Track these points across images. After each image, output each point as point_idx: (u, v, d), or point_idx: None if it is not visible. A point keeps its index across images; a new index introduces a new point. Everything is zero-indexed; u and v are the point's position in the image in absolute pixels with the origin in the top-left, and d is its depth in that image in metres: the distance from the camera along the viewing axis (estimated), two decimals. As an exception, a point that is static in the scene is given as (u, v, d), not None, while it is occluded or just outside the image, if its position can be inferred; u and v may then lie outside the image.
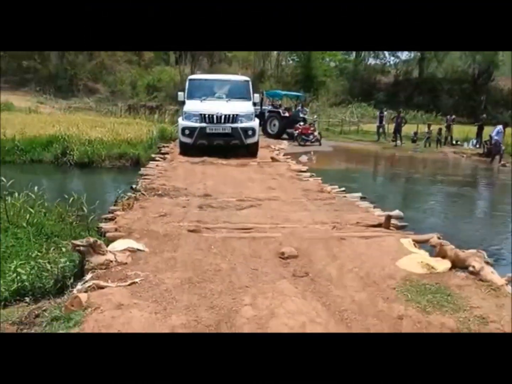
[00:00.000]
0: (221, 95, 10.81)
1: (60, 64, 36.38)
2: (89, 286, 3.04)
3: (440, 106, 35.14)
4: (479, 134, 19.75)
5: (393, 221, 4.57)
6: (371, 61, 50.42)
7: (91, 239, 3.40)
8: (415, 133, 21.14)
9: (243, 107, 10.20)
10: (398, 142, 20.16)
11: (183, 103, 10.66)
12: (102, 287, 3.02)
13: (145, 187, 5.85)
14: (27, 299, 3.29)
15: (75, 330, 2.55)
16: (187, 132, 9.87)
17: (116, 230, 4.06)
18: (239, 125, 9.85)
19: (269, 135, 19.67)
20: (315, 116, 24.18)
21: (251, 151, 10.29)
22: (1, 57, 33.39)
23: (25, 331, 2.79)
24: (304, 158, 14.16)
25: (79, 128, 13.12)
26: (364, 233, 4.23)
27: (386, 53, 49.44)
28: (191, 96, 10.61)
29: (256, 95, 10.97)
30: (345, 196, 6.12)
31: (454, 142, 20.81)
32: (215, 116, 9.81)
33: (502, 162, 15.87)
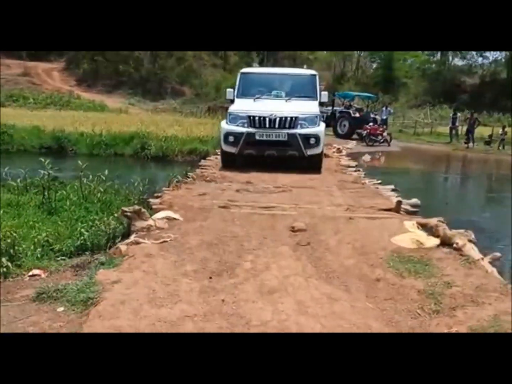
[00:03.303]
0: (280, 93, 8.65)
1: (151, 68, 39.05)
2: (130, 242, 3.87)
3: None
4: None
5: (405, 207, 5.00)
6: (456, 61, 48.53)
7: (137, 207, 4.25)
8: (490, 135, 20.44)
9: (305, 107, 8.05)
10: (471, 144, 19.66)
11: (232, 102, 8.56)
12: (139, 243, 3.84)
13: (197, 174, 6.72)
14: (86, 253, 4.20)
15: (114, 269, 3.37)
16: (231, 139, 7.81)
17: (160, 204, 4.92)
18: (298, 131, 7.68)
19: (339, 136, 20.10)
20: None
21: (313, 165, 7.99)
22: (100, 62, 36.83)
23: (79, 271, 3.66)
24: (367, 157, 14.49)
25: (158, 126, 14.48)
26: (373, 214, 4.72)
27: (474, 53, 47.35)
28: (242, 94, 8.57)
29: (325, 93, 8.63)
30: (377, 188, 6.55)
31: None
32: (267, 119, 7.68)
33: None
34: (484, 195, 10.54)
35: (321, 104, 8.80)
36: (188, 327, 2.48)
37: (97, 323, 2.47)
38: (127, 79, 37.58)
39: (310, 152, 7.77)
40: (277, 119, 7.70)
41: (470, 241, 3.75)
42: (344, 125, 20.48)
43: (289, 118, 7.71)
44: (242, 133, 7.73)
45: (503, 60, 44.16)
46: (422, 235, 4.09)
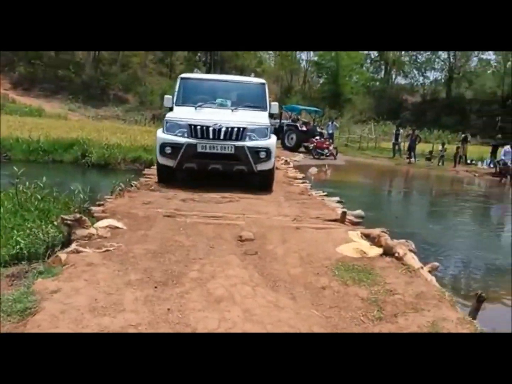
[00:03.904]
0: (225, 102, 7.71)
1: (93, 74, 38.12)
2: (70, 251, 3.71)
3: (468, 127, 35.29)
4: (493, 154, 20.01)
5: (350, 217, 5.13)
6: (399, 80, 50.97)
7: (77, 215, 4.09)
8: (430, 152, 21.55)
9: (254, 118, 7.17)
10: (412, 159, 20.58)
11: (170, 110, 7.56)
12: (80, 252, 3.69)
13: (141, 183, 6.57)
14: (23, 262, 3.98)
15: (53, 278, 3.21)
16: (168, 150, 6.77)
17: (102, 212, 4.76)
18: (246, 143, 6.76)
19: (286, 148, 20.45)
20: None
21: (263, 182, 7.18)
22: (38, 65, 35.46)
23: (15, 281, 3.46)
24: (314, 169, 14.80)
25: (100, 134, 14.10)
26: (319, 225, 4.80)
27: (415, 71, 49.97)
28: (182, 101, 7.60)
29: (275, 104, 7.77)
30: (323, 199, 6.68)
31: (468, 161, 21.08)
32: (211, 129, 6.72)
33: (511, 182, 16.13)
34: (424, 208, 11.03)
35: (271, 116, 7.90)
36: (132, 337, 2.40)
37: (35, 333, 2.34)
38: (67, 84, 36.38)
39: (260, 167, 6.87)
40: (223, 130, 6.72)
41: (410, 250, 3.89)
42: (292, 138, 20.88)
43: (236, 129, 6.75)
44: (181, 144, 6.70)
45: (443, 80, 46.74)
46: (365, 245, 4.20)
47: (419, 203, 11.87)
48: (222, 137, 6.74)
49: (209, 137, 6.74)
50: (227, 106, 7.62)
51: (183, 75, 8.24)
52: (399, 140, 22.44)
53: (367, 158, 21.86)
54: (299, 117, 23.14)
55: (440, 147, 21.17)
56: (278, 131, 20.33)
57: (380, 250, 4.02)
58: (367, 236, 4.58)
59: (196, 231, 4.39)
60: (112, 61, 40.14)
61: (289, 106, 24.51)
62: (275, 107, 7.70)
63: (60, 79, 36.29)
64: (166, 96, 7.75)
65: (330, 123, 24.21)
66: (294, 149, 20.34)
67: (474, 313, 3.10)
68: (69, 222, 4.03)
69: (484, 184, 16.39)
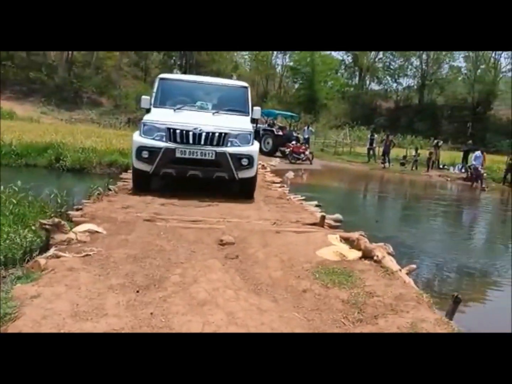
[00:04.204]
0: (206, 105, 7.42)
1: (66, 77, 37.50)
2: (49, 255, 3.66)
3: (440, 132, 36.15)
4: (464, 159, 20.56)
5: (329, 221, 5.21)
6: (373, 86, 51.89)
7: (56, 220, 4.04)
8: (404, 157, 22.01)
9: (236, 123, 6.88)
10: (387, 164, 20.96)
11: (147, 112, 7.13)
12: (59, 257, 3.64)
13: (119, 187, 6.52)
14: (-1, 268, 3.91)
15: (32, 283, 3.17)
16: (145, 154, 6.38)
17: (81, 216, 4.71)
18: (228, 149, 6.48)
19: (263, 153, 20.51)
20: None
21: (244, 191, 6.93)
22: (9, 67, 34.67)
23: (-9, 287, 3.39)
24: (290, 174, 14.92)
25: (74, 137, 13.90)
26: (299, 228, 4.86)
27: (388, 78, 50.93)
28: (160, 103, 7.21)
29: (257, 109, 7.56)
30: (301, 203, 6.76)
31: (441, 166, 21.59)
32: (191, 134, 6.43)
33: (482, 186, 16.57)
34: (400, 212, 11.25)
35: (253, 121, 7.57)
36: (115, 341, 2.39)
37: (15, 340, 2.31)
38: (39, 87, 35.59)
39: (241, 175, 6.57)
40: (203, 135, 6.41)
41: (389, 253, 3.98)
42: (268, 143, 21.00)
43: (217, 134, 6.45)
44: (159, 149, 6.33)
45: (415, 86, 47.76)
46: (345, 248, 4.27)
47: (395, 207, 12.11)
48: (202, 142, 6.46)
49: (189, 142, 6.44)
50: (208, 109, 7.34)
51: (162, 75, 7.85)
52: (374, 145, 22.86)
53: (343, 162, 22.19)
54: (275, 121, 23.28)
55: (413, 152, 21.64)
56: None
57: (359, 253, 4.10)
58: (346, 240, 4.66)
59: (177, 235, 4.38)
60: (86, 64, 39.61)
61: (265, 111, 24.57)
62: (257, 112, 7.49)
63: (32, 81, 35.53)
64: (143, 96, 7.27)
65: (306, 128, 24.51)
66: (270, 153, 20.46)
67: (450, 314, 3.20)
68: (47, 226, 3.97)
69: (456, 189, 16.85)
